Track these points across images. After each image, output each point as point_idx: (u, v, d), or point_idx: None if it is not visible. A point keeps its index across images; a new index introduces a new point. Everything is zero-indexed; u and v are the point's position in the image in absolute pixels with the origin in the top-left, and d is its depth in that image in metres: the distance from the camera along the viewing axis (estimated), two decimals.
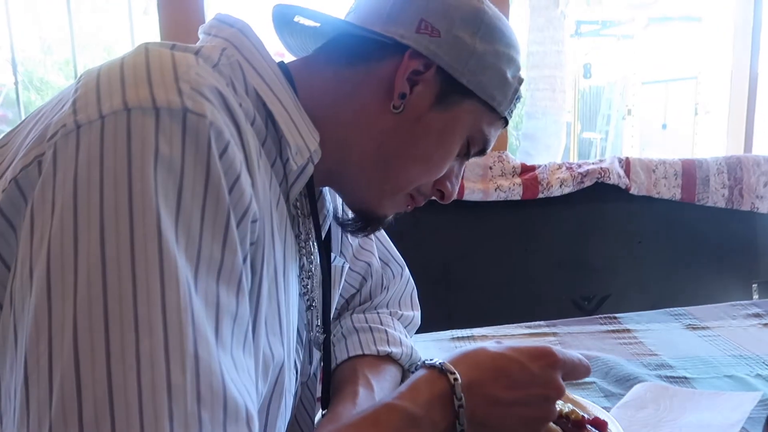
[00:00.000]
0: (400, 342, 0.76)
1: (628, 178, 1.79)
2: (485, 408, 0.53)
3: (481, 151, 0.61)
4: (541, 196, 1.74)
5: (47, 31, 9.07)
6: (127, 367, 0.33)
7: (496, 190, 1.71)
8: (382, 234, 0.84)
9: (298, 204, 0.59)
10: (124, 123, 0.38)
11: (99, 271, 0.35)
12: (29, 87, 8.40)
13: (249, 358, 0.42)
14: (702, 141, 6.53)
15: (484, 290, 1.75)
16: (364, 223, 0.61)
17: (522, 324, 1.03)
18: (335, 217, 0.66)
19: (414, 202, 0.61)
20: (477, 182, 1.72)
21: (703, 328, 1.01)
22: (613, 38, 7.94)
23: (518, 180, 1.74)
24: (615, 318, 1.05)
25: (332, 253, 0.71)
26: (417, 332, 0.87)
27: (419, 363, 0.57)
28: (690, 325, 1.02)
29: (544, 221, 1.78)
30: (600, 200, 1.80)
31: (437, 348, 0.93)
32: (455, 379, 0.52)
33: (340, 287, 0.74)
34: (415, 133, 0.55)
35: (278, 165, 0.52)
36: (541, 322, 1.03)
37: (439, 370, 0.53)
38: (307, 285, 0.61)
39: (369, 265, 0.80)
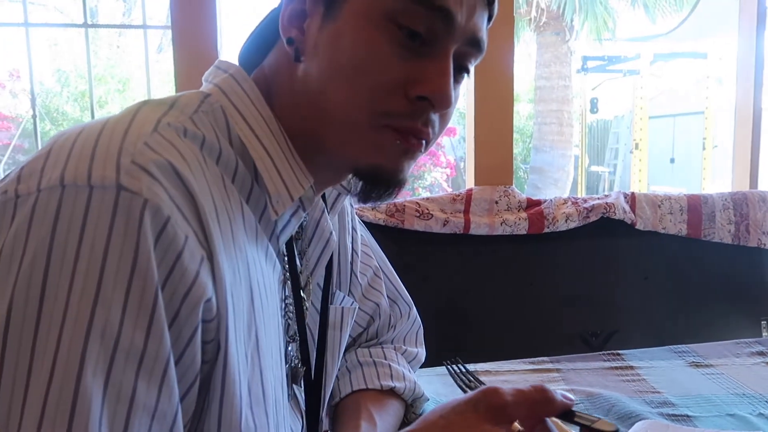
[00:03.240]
0: (404, 376, 0.77)
1: (634, 214, 1.80)
2: None
3: (429, 26, 0.49)
4: (546, 230, 1.75)
5: (65, 64, 9.29)
6: None
7: (501, 224, 1.72)
8: (390, 271, 0.84)
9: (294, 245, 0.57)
10: (56, 200, 0.37)
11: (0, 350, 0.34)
12: (45, 118, 8.56)
13: None
14: (710, 175, 6.52)
15: (489, 325, 1.75)
16: (371, 184, 0.53)
17: (526, 360, 1.03)
18: (354, 193, 0.61)
19: (401, 134, 0.50)
20: (483, 216, 1.74)
21: (706, 365, 1.01)
22: (619, 73, 8.02)
23: (524, 214, 1.76)
24: (618, 355, 1.05)
25: (340, 292, 0.71)
26: (420, 366, 0.88)
27: None
28: (693, 362, 1.02)
29: (549, 256, 1.79)
30: (606, 235, 1.80)
31: (441, 383, 0.94)
32: None
33: (350, 327, 0.71)
34: (329, 57, 0.49)
35: (267, 215, 0.51)
36: (545, 358, 1.04)
37: None
38: (290, 325, 0.58)
39: (378, 305, 0.80)
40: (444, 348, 1.66)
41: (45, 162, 0.39)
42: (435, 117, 0.52)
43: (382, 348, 0.81)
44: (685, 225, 1.84)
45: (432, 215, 1.65)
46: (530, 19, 8.06)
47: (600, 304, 1.82)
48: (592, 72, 8.37)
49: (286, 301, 0.55)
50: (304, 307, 0.59)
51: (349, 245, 0.73)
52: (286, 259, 0.56)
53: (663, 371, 0.99)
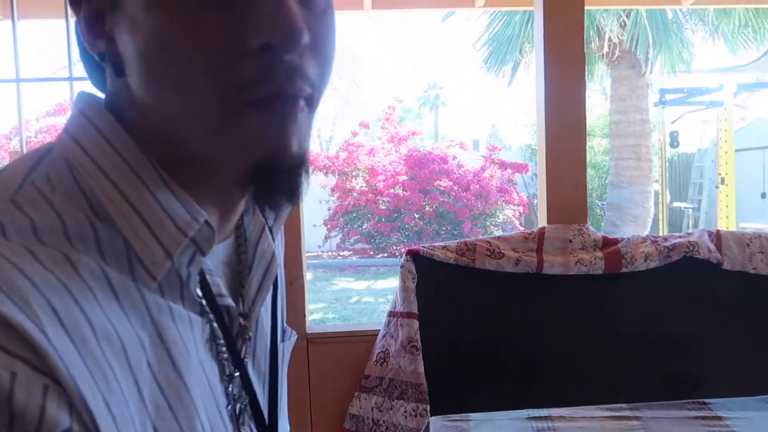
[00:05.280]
0: None
1: (720, 252, 1.70)
2: None
3: None
4: (624, 270, 1.69)
5: None
6: None
7: (576, 263, 1.67)
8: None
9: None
10: None
11: None
12: None
13: None
14: None
15: (564, 367, 1.69)
16: (266, 181, 0.42)
17: (603, 406, 0.99)
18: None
19: (263, 108, 0.40)
20: (556, 255, 1.70)
21: None
22: (701, 106, 7.71)
23: (600, 254, 1.70)
24: (705, 404, 0.99)
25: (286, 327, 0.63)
26: (491, 410, 0.86)
27: None
28: None
29: (628, 297, 1.71)
30: (689, 276, 1.71)
31: (512, 429, 0.91)
32: None
33: (288, 356, 0.62)
34: (138, 55, 0.41)
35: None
36: (624, 405, 0.99)
37: None
38: (225, 365, 0.49)
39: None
40: (517, 391, 1.62)
41: None
42: (300, 59, 0.40)
43: None
44: None
45: (504, 254, 1.63)
46: (603, 54, 7.94)
47: (684, 348, 1.72)
48: (671, 105, 8.10)
49: (216, 342, 0.48)
50: (241, 344, 0.51)
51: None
52: (204, 302, 0.47)
53: (754, 423, 0.92)
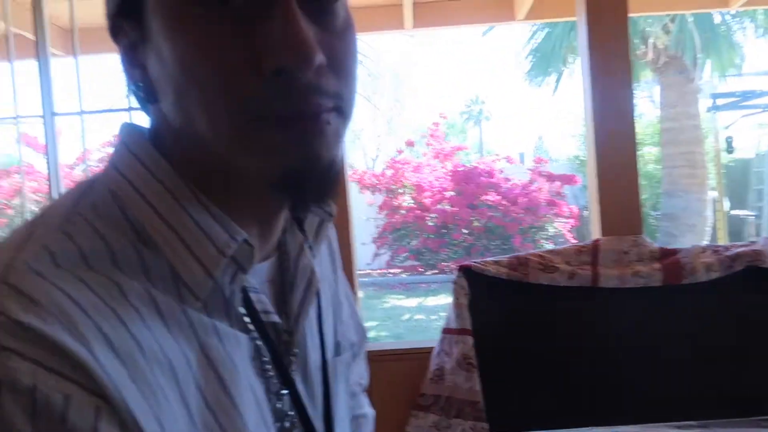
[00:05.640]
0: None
1: None
2: None
3: None
4: (685, 282, 1.63)
5: None
6: None
7: (633, 275, 1.63)
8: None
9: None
10: None
11: None
12: None
13: None
14: None
15: (625, 383, 1.64)
16: (294, 192, 0.44)
17: (671, 423, 0.96)
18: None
19: (283, 125, 0.41)
20: (612, 268, 1.66)
21: None
22: (757, 109, 7.42)
23: (657, 265, 1.65)
24: None
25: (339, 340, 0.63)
26: (551, 428, 0.85)
27: None
28: None
29: (689, 309, 1.65)
30: (754, 286, 1.64)
31: None
32: None
33: (342, 375, 0.61)
34: (166, 83, 0.43)
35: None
36: (693, 423, 0.95)
37: None
38: (270, 383, 0.50)
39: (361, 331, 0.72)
40: (574, 408, 1.58)
41: None
42: (317, 78, 0.41)
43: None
44: None
45: (557, 268, 1.60)
46: (649, 61, 7.76)
47: (754, 362, 1.64)
48: (724, 110, 7.82)
49: (262, 359, 0.48)
50: (288, 360, 0.52)
51: (339, 273, 0.66)
52: (248, 319, 0.48)
53: None
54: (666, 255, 1.67)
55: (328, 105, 0.42)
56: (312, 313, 0.55)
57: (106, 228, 0.42)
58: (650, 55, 7.58)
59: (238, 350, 0.46)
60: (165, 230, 0.43)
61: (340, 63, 0.43)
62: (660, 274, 1.63)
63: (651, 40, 7.50)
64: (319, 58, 0.40)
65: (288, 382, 0.50)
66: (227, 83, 0.40)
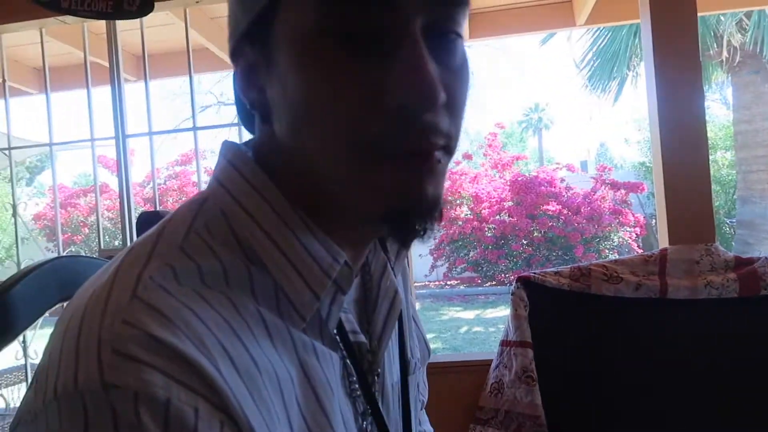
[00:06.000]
0: None
1: None
2: None
3: (376, 19, 0.40)
4: (763, 293, 1.53)
5: None
6: None
7: (706, 286, 1.54)
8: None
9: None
10: (56, 419, 0.35)
11: None
12: None
13: None
14: None
15: (698, 403, 1.54)
16: (401, 228, 0.44)
17: None
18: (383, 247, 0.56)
19: (399, 162, 0.41)
20: (682, 278, 1.58)
21: None
22: None
23: (733, 275, 1.56)
24: None
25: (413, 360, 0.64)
26: None
27: None
28: None
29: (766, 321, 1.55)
30: None
31: None
32: None
33: (414, 390, 0.63)
34: (286, 107, 0.44)
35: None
36: None
37: None
38: (357, 403, 0.51)
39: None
40: (641, 421, 1.50)
41: (48, 366, 0.38)
42: (435, 117, 0.41)
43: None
44: None
45: (622, 278, 1.53)
46: (722, 61, 7.41)
47: None
48: None
49: (350, 379, 0.49)
50: (371, 380, 0.53)
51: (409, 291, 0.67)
52: (338, 338, 0.49)
53: None
54: (742, 264, 1.58)
55: (439, 143, 0.42)
56: (394, 333, 0.55)
57: (219, 247, 0.43)
58: (723, 54, 7.24)
59: (331, 369, 0.47)
60: (273, 250, 0.44)
61: (455, 102, 0.43)
62: (736, 285, 1.53)
63: (724, 38, 7.16)
64: (443, 98, 0.40)
65: (372, 402, 0.51)
66: (348, 116, 0.41)
